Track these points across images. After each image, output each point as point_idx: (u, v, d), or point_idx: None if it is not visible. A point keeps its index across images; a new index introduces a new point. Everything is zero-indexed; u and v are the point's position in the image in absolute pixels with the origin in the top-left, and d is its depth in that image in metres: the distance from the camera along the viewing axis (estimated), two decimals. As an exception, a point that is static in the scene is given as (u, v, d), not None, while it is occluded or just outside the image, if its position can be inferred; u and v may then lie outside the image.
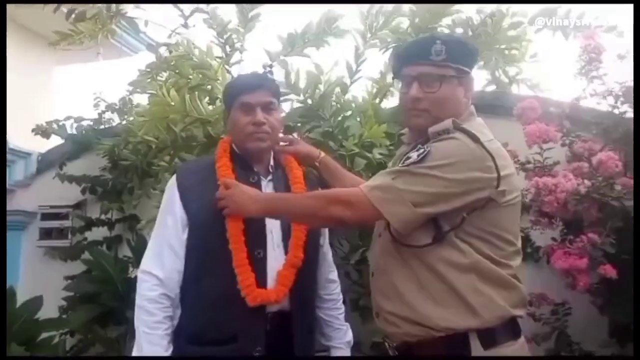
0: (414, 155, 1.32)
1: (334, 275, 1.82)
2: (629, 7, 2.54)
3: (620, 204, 2.04)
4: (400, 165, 1.36)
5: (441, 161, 1.28)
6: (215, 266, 1.51)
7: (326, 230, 1.83)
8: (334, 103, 2.64)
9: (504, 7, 2.73)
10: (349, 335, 1.78)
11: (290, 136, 1.69)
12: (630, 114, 2.55)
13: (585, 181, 2.06)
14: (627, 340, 2.26)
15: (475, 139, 1.30)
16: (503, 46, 2.84)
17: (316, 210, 1.38)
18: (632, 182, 2.08)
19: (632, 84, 2.52)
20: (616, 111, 2.54)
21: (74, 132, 3.61)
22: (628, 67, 2.54)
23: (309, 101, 2.57)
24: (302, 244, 1.57)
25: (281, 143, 1.74)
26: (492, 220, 1.32)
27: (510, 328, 1.32)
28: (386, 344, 1.47)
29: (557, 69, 3.14)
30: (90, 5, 2.99)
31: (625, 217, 2.07)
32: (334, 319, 1.77)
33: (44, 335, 2.97)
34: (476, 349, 1.26)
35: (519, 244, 1.41)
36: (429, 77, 1.40)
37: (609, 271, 1.99)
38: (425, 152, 1.30)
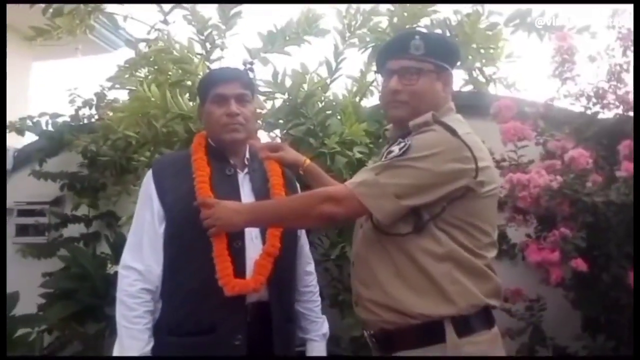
0: (395, 149, 1.36)
1: (310, 267, 1.84)
2: (604, 9, 2.63)
3: (591, 199, 2.10)
4: (383, 159, 1.39)
5: (422, 152, 1.32)
6: (193, 257, 1.52)
7: None
8: (317, 102, 2.66)
9: (480, 7, 2.79)
10: (325, 328, 1.81)
11: (276, 142, 1.69)
12: (601, 114, 2.64)
13: (558, 177, 2.12)
14: (598, 333, 2.33)
15: (453, 131, 1.34)
16: (480, 46, 2.90)
17: (307, 209, 1.39)
18: (601, 179, 2.15)
19: (604, 85, 2.60)
20: (588, 112, 2.62)
21: (50, 128, 3.56)
22: (600, 69, 2.62)
23: (293, 100, 2.58)
24: (278, 234, 1.58)
25: (266, 149, 1.72)
26: (471, 211, 1.36)
27: (485, 317, 1.36)
28: (364, 332, 1.50)
29: (533, 69, 3.22)
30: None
31: (596, 213, 2.14)
32: (310, 312, 1.79)
33: (21, 331, 2.94)
34: (450, 336, 1.30)
35: (495, 236, 1.45)
36: (408, 70, 1.44)
37: (580, 265, 2.05)
38: (407, 146, 1.34)
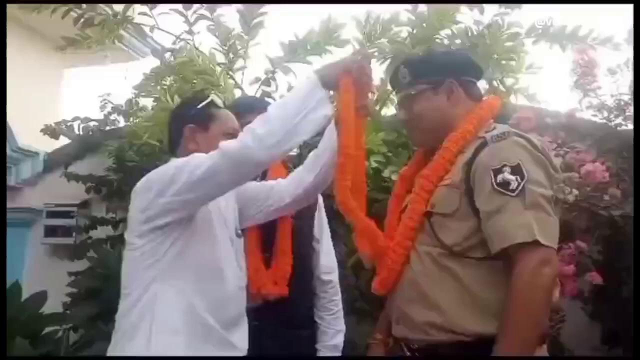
0: (508, 177, 1.29)
1: (329, 277, 1.89)
2: (625, 22, 2.61)
3: (609, 213, 2.09)
4: (501, 191, 1.29)
5: (537, 173, 1.32)
6: None
7: (324, 226, 1.94)
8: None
9: (500, 18, 2.79)
10: (337, 339, 1.85)
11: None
12: (624, 127, 2.62)
13: (574, 190, 2.12)
14: (617, 346, 2.31)
15: (530, 141, 1.35)
16: (500, 57, 2.90)
17: (535, 296, 1.23)
18: (619, 192, 2.14)
19: (625, 97, 2.59)
20: (610, 124, 2.61)
21: (81, 132, 3.69)
22: (622, 81, 2.60)
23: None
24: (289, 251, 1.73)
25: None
26: None
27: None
28: (402, 345, 1.45)
29: (554, 80, 3.20)
30: (98, 11, 3.06)
31: (613, 226, 2.13)
32: (322, 320, 1.85)
33: (48, 329, 3.05)
34: None
35: None
36: (404, 99, 1.51)
37: (596, 278, 2.05)
38: (520, 167, 1.30)
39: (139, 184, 1.48)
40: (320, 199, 1.97)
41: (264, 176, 1.81)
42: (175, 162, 1.44)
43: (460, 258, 1.33)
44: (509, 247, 1.25)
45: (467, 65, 1.55)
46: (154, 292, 1.40)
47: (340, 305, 1.91)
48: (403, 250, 1.41)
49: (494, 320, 1.28)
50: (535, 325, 1.25)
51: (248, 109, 1.77)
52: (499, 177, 1.28)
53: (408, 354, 1.42)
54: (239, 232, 1.63)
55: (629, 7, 2.19)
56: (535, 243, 1.22)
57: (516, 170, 1.28)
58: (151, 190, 1.41)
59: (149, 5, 2.94)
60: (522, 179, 1.27)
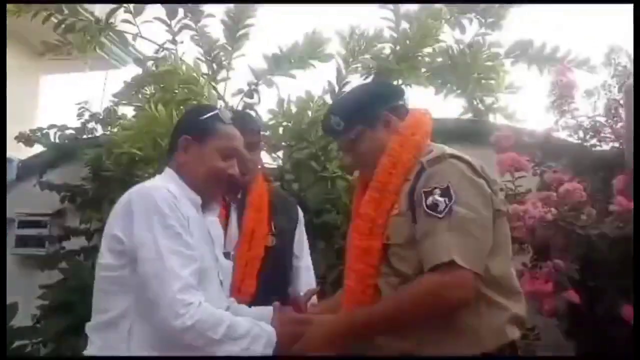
0: (438, 199, 1.31)
1: None
2: (601, 45, 2.69)
3: (585, 232, 2.13)
4: (430, 214, 1.30)
5: (466, 193, 1.33)
6: None
7: (303, 242, 1.95)
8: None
9: (481, 38, 2.85)
10: None
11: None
12: (599, 147, 2.68)
13: (552, 209, 2.15)
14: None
15: (465, 161, 1.37)
16: (480, 76, 2.95)
17: (428, 309, 1.29)
18: (594, 212, 2.18)
19: (601, 119, 2.65)
20: (586, 144, 2.67)
21: (57, 140, 3.62)
22: (597, 103, 2.67)
23: (297, 125, 2.64)
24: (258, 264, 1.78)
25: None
26: (503, 232, 1.39)
27: (510, 352, 1.36)
28: None
29: (533, 100, 3.27)
30: (80, 17, 3.02)
31: (590, 246, 2.16)
32: None
33: (17, 343, 2.95)
34: None
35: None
36: (344, 145, 1.54)
37: (572, 296, 2.07)
38: (448, 189, 1.32)
39: (122, 205, 1.41)
40: (301, 214, 1.98)
41: (243, 193, 1.82)
42: (147, 234, 1.32)
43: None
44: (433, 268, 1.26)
45: (391, 92, 1.59)
46: (130, 318, 1.35)
47: None
48: (362, 276, 1.41)
49: (470, 341, 1.30)
50: (387, 323, 1.32)
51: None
52: (429, 200, 1.30)
53: None
54: (226, 253, 1.60)
55: (606, 32, 2.25)
56: (451, 263, 1.23)
57: (445, 192, 1.29)
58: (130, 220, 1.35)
59: (133, 12, 2.91)
60: (449, 200, 1.28)
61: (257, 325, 1.36)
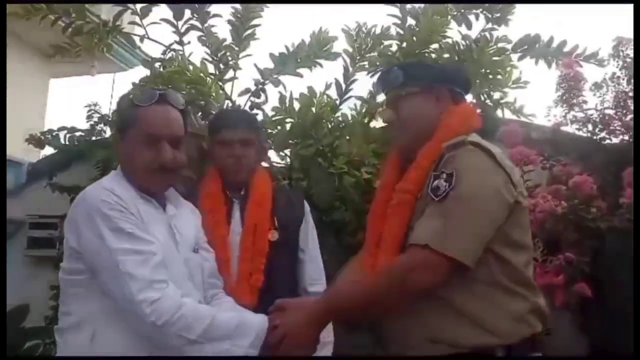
0: (441, 184, 1.31)
1: (315, 288, 1.87)
2: (609, 38, 2.68)
3: (596, 225, 2.12)
4: (433, 198, 1.31)
5: (473, 181, 1.31)
6: None
7: (309, 236, 1.93)
8: (325, 122, 2.72)
9: (488, 33, 2.84)
10: (324, 351, 1.80)
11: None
12: (608, 141, 2.67)
13: (562, 202, 2.15)
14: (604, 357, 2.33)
15: (487, 150, 1.34)
16: (488, 71, 2.94)
17: (394, 294, 1.30)
18: (605, 205, 2.18)
19: (610, 111, 2.64)
20: (595, 138, 2.66)
21: (67, 142, 3.64)
22: (606, 96, 2.66)
23: (302, 122, 2.64)
24: (264, 260, 1.77)
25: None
26: (517, 223, 1.34)
27: (530, 345, 1.33)
28: None
29: (541, 94, 3.26)
30: (87, 19, 3.04)
31: (601, 238, 2.16)
32: None
33: (29, 344, 2.97)
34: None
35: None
36: (393, 99, 1.52)
37: (584, 289, 2.07)
38: (454, 176, 1.31)
39: (70, 212, 1.35)
40: (307, 209, 1.97)
41: (247, 189, 1.84)
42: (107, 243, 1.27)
43: None
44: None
45: (458, 76, 1.58)
46: (94, 324, 1.30)
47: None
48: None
49: (486, 332, 1.29)
50: (362, 304, 1.34)
51: (227, 124, 1.86)
52: (435, 183, 1.31)
53: None
54: (196, 248, 1.51)
55: (614, 22, 2.25)
56: (425, 247, 1.24)
57: (448, 178, 1.29)
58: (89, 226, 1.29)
59: (139, 14, 2.93)
60: (449, 186, 1.27)
61: (244, 324, 1.31)
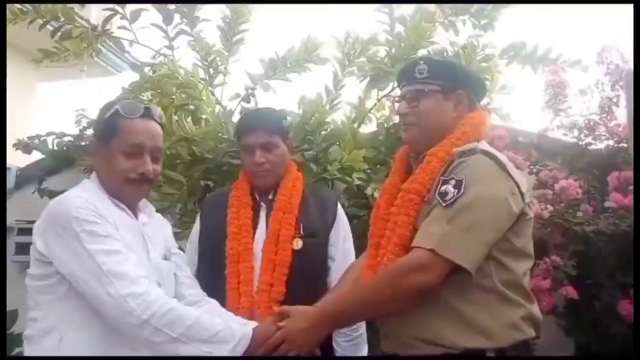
0: (449, 189, 1.33)
1: None
2: (593, 44, 2.73)
3: (581, 229, 2.16)
4: (440, 202, 1.33)
5: (481, 188, 1.34)
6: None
7: (340, 244, 1.84)
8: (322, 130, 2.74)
9: (475, 40, 2.88)
10: None
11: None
12: (593, 146, 2.72)
13: (549, 206, 2.18)
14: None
15: (495, 159, 1.37)
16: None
17: (393, 294, 1.32)
18: (591, 209, 2.21)
19: (595, 117, 2.69)
20: (580, 143, 2.70)
21: (55, 147, 3.62)
22: (591, 102, 2.71)
23: (303, 127, 2.65)
24: (285, 278, 1.71)
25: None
26: (520, 233, 1.37)
27: (523, 349, 1.36)
28: None
29: (527, 100, 3.31)
30: (76, 23, 3.02)
31: (587, 242, 2.19)
32: (338, 346, 1.77)
33: (18, 349, 2.94)
34: None
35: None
36: (413, 93, 1.50)
37: (571, 292, 2.10)
38: (462, 182, 1.33)
39: (41, 219, 1.35)
40: (340, 214, 1.88)
41: (275, 193, 1.82)
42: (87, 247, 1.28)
43: None
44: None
45: (479, 84, 1.58)
46: (60, 330, 1.31)
47: (362, 331, 1.81)
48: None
49: (479, 333, 1.31)
50: (361, 308, 1.37)
51: (247, 128, 1.81)
52: (443, 187, 1.33)
53: None
54: (167, 255, 1.53)
55: (597, 31, 2.29)
56: (430, 251, 1.27)
57: (457, 184, 1.31)
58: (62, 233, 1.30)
59: (129, 18, 2.93)
60: (457, 193, 1.30)
61: (227, 330, 1.33)
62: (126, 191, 1.43)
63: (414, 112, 1.49)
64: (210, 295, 1.59)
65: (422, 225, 1.34)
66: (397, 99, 1.59)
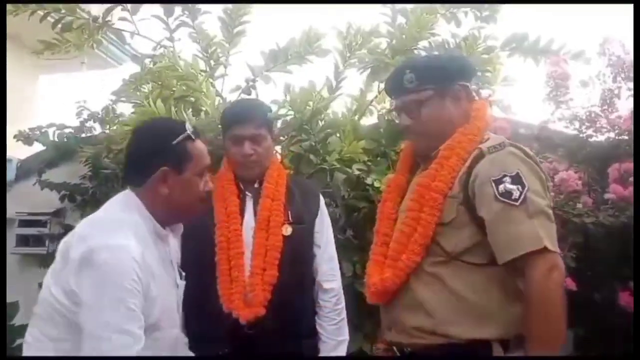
0: (510, 187, 1.32)
1: (329, 284, 1.86)
2: (595, 36, 2.72)
3: (581, 221, 2.16)
4: (503, 200, 1.31)
5: (537, 183, 1.36)
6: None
7: (325, 232, 1.90)
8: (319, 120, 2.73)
9: (477, 31, 2.87)
10: (339, 350, 1.82)
11: None
12: (594, 138, 2.71)
13: (549, 198, 2.18)
14: (589, 352, 2.37)
15: (527, 153, 1.39)
16: (476, 69, 2.96)
17: (548, 298, 1.26)
18: (591, 201, 2.22)
19: (596, 109, 2.68)
20: (581, 135, 2.70)
21: (56, 139, 3.63)
22: (592, 93, 2.70)
23: (299, 116, 2.64)
24: (277, 261, 1.74)
25: None
26: None
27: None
28: (395, 348, 1.47)
29: (529, 92, 3.30)
30: (77, 15, 3.02)
31: (586, 234, 2.20)
32: (322, 329, 1.82)
33: (19, 341, 2.96)
34: (497, 351, 1.31)
35: None
36: (409, 104, 1.49)
37: (569, 284, 2.10)
38: (521, 177, 1.34)
39: (80, 256, 1.26)
40: (322, 204, 1.93)
41: (260, 182, 1.85)
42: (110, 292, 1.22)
43: (453, 263, 1.36)
44: (519, 257, 1.26)
45: (469, 70, 1.58)
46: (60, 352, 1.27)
47: (344, 315, 1.87)
48: (412, 265, 1.39)
49: (485, 325, 1.32)
50: (556, 321, 1.25)
51: (235, 120, 1.82)
52: (501, 187, 1.31)
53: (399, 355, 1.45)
54: (181, 271, 1.51)
55: (600, 22, 2.29)
56: (544, 250, 1.26)
57: (516, 180, 1.31)
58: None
59: (130, 10, 2.92)
60: (523, 188, 1.29)
61: None
62: (196, 211, 1.46)
63: (417, 122, 1.49)
64: (198, 285, 1.62)
65: (500, 232, 1.30)
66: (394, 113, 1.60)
